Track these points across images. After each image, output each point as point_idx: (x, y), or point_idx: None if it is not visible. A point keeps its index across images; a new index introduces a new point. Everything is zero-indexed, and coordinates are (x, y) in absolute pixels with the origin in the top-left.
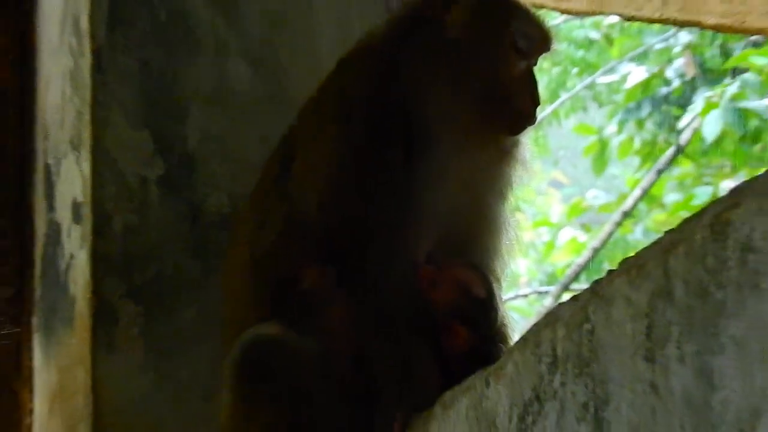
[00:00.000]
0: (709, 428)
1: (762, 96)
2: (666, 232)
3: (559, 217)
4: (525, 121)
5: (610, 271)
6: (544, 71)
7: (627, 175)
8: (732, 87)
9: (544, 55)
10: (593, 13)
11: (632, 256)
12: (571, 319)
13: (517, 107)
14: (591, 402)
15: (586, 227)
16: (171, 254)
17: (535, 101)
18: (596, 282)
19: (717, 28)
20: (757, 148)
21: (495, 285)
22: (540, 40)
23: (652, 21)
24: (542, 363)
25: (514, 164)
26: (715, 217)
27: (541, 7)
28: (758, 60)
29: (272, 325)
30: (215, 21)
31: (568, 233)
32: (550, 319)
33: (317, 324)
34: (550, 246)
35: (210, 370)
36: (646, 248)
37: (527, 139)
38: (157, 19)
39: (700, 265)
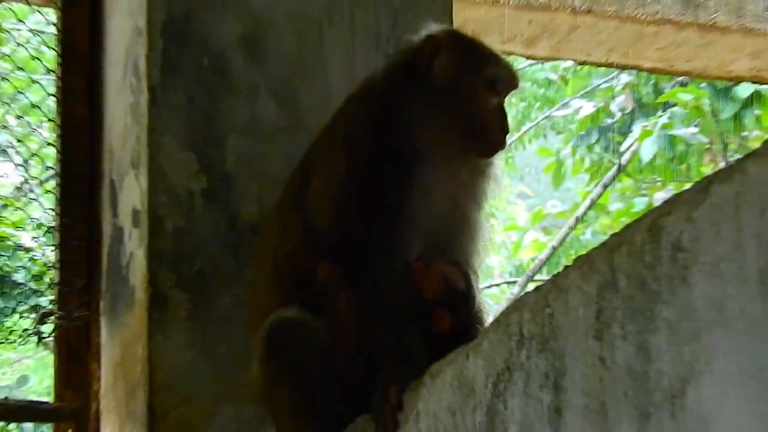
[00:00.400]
0: (647, 394)
1: (687, 125)
2: (611, 235)
3: (524, 222)
4: (497, 147)
5: (566, 267)
6: (512, 105)
7: (579, 188)
8: (663, 118)
9: (512, 92)
10: (552, 59)
11: (584, 255)
12: (535, 305)
13: (490, 136)
14: (551, 372)
15: (546, 230)
16: (212, 252)
17: (505, 130)
18: (555, 275)
19: (651, 71)
20: (683, 167)
21: (473, 278)
22: (509, 80)
23: (599, 65)
24: (512, 341)
25: (488, 180)
26: (652, 223)
27: (510, 53)
28: (684, 96)
29: (292, 310)
30: (247, 66)
31: (531, 235)
32: (517, 305)
33: (328, 309)
34: (518, 245)
35: (242, 345)
36: (595, 248)
37: (499, 161)
38: (201, 64)
39: (639, 261)
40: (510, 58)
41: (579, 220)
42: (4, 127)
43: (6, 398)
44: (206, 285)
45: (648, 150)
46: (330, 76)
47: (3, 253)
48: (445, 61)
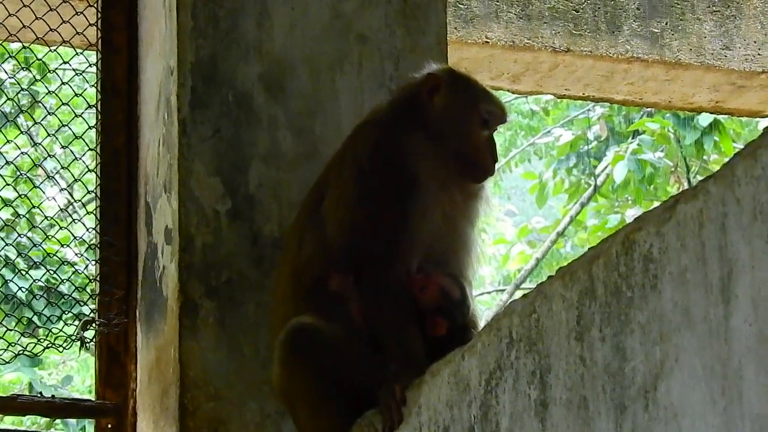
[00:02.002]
0: (623, 389)
1: (654, 151)
2: (590, 248)
3: (511, 236)
4: (487, 173)
5: (550, 276)
6: (500, 134)
7: (560, 206)
8: (633, 144)
9: (501, 125)
10: (535, 93)
11: (566, 266)
12: (523, 310)
13: (482, 163)
14: (538, 370)
15: (531, 243)
16: (237, 265)
17: (494, 159)
18: (540, 284)
19: (623, 103)
20: (651, 188)
21: (467, 287)
22: (499, 116)
23: (576, 98)
24: (502, 342)
25: (480, 201)
26: (625, 237)
27: (498, 88)
28: (651, 125)
29: (308, 317)
30: (268, 102)
31: (518, 248)
32: (507, 310)
33: (340, 316)
34: (506, 257)
35: (265, 347)
36: (575, 260)
37: (489, 184)
38: (226, 99)
39: (614, 271)
40: (498, 93)
41: (560, 234)
42: (51, 155)
43: (53, 396)
44: (232, 294)
45: (620, 173)
46: (341, 110)
47: (50, 268)
48: (443, 96)
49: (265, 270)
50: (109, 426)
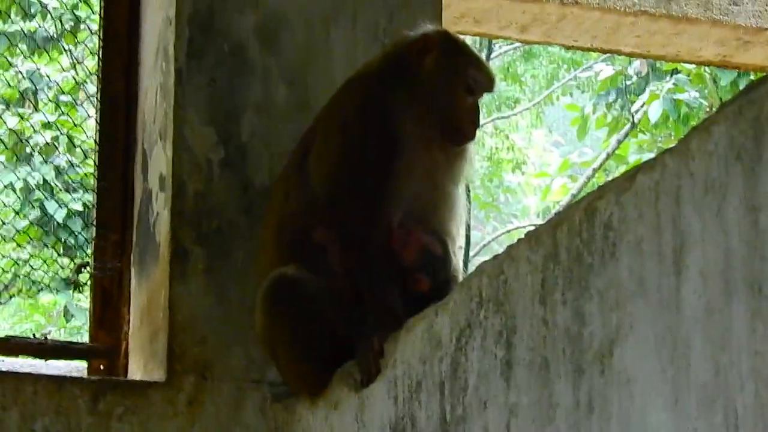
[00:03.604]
0: (581, 353)
1: (691, 89)
2: (555, 213)
3: (556, 168)
4: (466, 138)
5: (519, 239)
6: (543, 66)
7: (603, 139)
8: (669, 83)
9: (487, 93)
10: (543, 44)
11: (533, 230)
12: (492, 271)
13: (462, 128)
14: (504, 330)
15: (573, 177)
16: (227, 213)
17: (475, 125)
18: (509, 246)
19: (630, 55)
20: (687, 128)
21: (450, 243)
22: (486, 84)
23: (584, 49)
24: (473, 302)
25: (464, 161)
26: (588, 204)
27: (507, 38)
28: (688, 65)
29: (291, 267)
30: (262, 53)
31: (559, 181)
32: (478, 271)
33: (322, 268)
34: (547, 190)
35: (252, 295)
36: (541, 224)
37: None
38: (221, 50)
39: (577, 237)
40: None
41: (596, 170)
42: (83, 81)
43: (45, 338)
44: (222, 242)
45: (655, 111)
46: (334, 63)
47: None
48: (434, 58)
49: (255, 219)
50: (102, 367)
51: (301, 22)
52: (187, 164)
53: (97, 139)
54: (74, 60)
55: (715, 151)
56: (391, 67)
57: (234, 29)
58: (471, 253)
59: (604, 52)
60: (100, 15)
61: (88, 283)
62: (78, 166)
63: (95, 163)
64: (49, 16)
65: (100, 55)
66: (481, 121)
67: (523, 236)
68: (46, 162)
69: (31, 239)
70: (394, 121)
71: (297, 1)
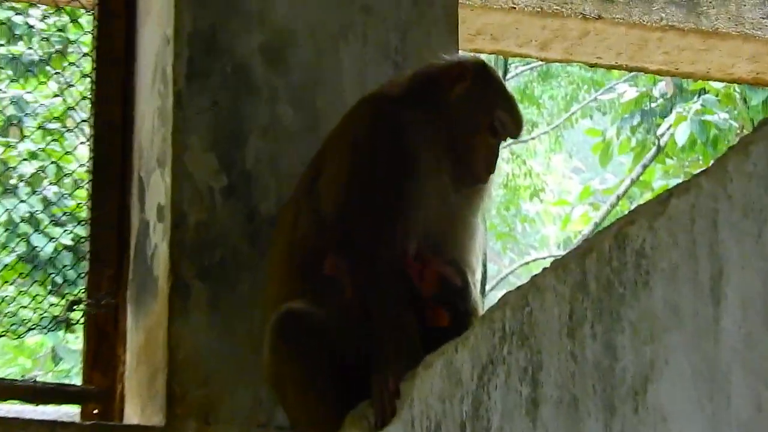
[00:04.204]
0: (613, 389)
1: (719, 111)
2: (583, 240)
3: (576, 195)
4: (477, 181)
5: (544, 269)
6: (562, 87)
7: (628, 165)
8: (696, 104)
9: (511, 138)
10: (565, 61)
11: (559, 258)
12: (516, 303)
13: (476, 170)
14: (529, 366)
15: (595, 205)
16: (231, 244)
17: (490, 170)
18: (534, 276)
19: (657, 73)
20: (716, 151)
21: (469, 274)
22: (512, 129)
23: (608, 67)
24: (495, 336)
25: (482, 190)
26: (618, 231)
27: (526, 56)
28: (716, 84)
29: (300, 301)
30: (268, 73)
31: (580, 209)
32: (501, 303)
33: (333, 301)
34: (567, 219)
35: (258, 331)
36: (569, 252)
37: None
38: (224, 71)
39: (607, 266)
40: (525, 60)
41: (620, 197)
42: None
43: (35, 380)
44: (225, 275)
45: (682, 134)
46: (344, 83)
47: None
48: (465, 87)
49: (261, 249)
50: (96, 412)
51: (308, 40)
52: (187, 193)
53: (91, 167)
54: (65, 84)
55: (754, 171)
56: (417, 88)
57: (238, 48)
58: (487, 287)
59: (630, 70)
60: (93, 34)
61: (81, 320)
62: (66, 196)
63: (88, 193)
64: (36, 38)
65: (94, 77)
66: (501, 154)
67: (549, 265)
68: (34, 192)
69: (21, 274)
70: (408, 142)
71: (304, 18)
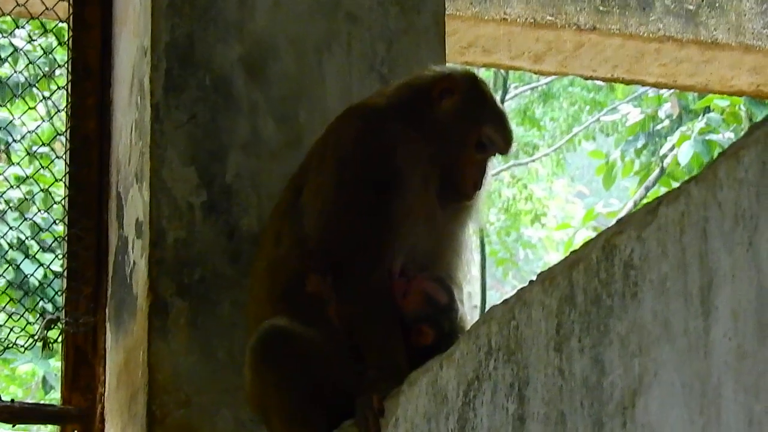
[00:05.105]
0: (601, 404)
1: (724, 131)
2: (570, 252)
3: (580, 220)
4: (463, 198)
5: (531, 281)
6: (563, 109)
7: (633, 188)
8: (700, 123)
9: (500, 155)
10: (559, 74)
11: (546, 270)
12: (502, 318)
13: (462, 186)
14: (516, 382)
15: (597, 230)
16: (211, 262)
17: (476, 187)
18: (520, 289)
19: (655, 85)
20: None
21: (456, 291)
22: (500, 144)
23: (605, 80)
24: (481, 351)
25: (469, 204)
26: (606, 241)
27: (519, 69)
28: (721, 102)
29: (282, 319)
30: (248, 86)
31: (583, 234)
32: (486, 317)
33: (317, 319)
34: (569, 243)
35: (240, 350)
36: (556, 264)
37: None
38: (203, 83)
39: (595, 278)
40: (519, 73)
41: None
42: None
43: (12, 401)
44: (206, 293)
45: (686, 154)
46: (327, 95)
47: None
48: (454, 101)
49: (242, 267)
50: None
51: (290, 51)
52: (166, 208)
53: (67, 182)
54: (53, 107)
55: (745, 178)
56: (405, 100)
57: (217, 59)
58: None
59: (627, 82)
60: (68, 45)
61: (59, 339)
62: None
63: (65, 209)
64: (21, 60)
65: (69, 90)
66: (496, 170)
67: (534, 278)
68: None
69: (11, 299)
70: (394, 157)
71: (286, 28)
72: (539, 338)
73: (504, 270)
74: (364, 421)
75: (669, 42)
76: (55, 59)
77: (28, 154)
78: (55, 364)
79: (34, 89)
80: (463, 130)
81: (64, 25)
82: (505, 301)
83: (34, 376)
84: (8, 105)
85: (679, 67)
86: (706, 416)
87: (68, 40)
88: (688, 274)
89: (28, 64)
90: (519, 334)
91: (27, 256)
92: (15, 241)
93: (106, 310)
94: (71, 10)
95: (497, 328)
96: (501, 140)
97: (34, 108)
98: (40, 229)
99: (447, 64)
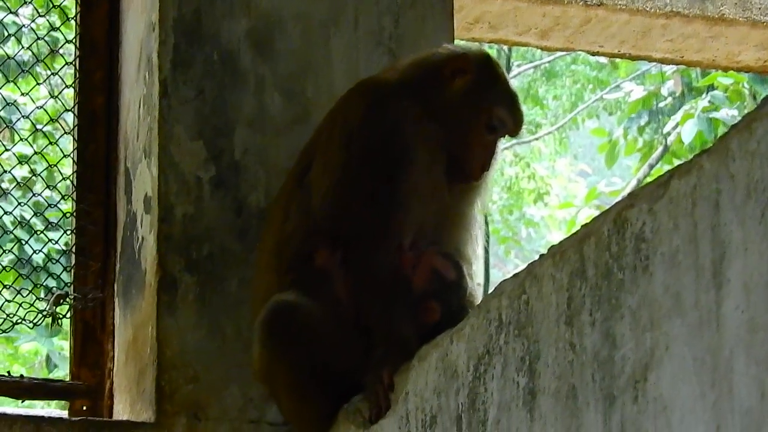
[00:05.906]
0: (612, 378)
1: (728, 108)
2: (582, 226)
3: (582, 199)
4: (470, 179)
5: (541, 255)
6: (566, 87)
7: (636, 166)
8: (704, 101)
9: (510, 136)
10: (566, 50)
11: (557, 244)
12: (512, 292)
13: (470, 167)
14: (527, 357)
15: (600, 208)
16: (220, 237)
17: (484, 168)
18: (531, 263)
19: (662, 61)
20: None
21: (465, 266)
22: (511, 126)
23: (611, 56)
24: (491, 326)
25: (477, 184)
26: (617, 215)
27: (525, 44)
28: (725, 80)
29: (291, 294)
30: (255, 61)
31: (586, 212)
32: (497, 291)
33: (325, 294)
34: (572, 222)
35: (248, 326)
36: (566, 238)
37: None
38: (210, 59)
39: (606, 251)
40: (525, 50)
41: None
42: (69, 109)
43: (21, 376)
44: (214, 269)
45: (689, 132)
46: (334, 71)
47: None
48: (466, 80)
49: (250, 243)
50: (84, 408)
51: (297, 27)
52: (174, 184)
53: (75, 158)
54: (57, 86)
55: (758, 150)
56: (416, 77)
57: (224, 35)
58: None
59: (633, 58)
60: (75, 21)
61: (68, 315)
62: (60, 202)
63: (73, 184)
64: (25, 38)
65: (77, 66)
66: (498, 152)
67: (545, 251)
68: (33, 195)
69: (19, 275)
70: (403, 134)
71: (293, 4)
72: (550, 312)
73: (506, 248)
74: (374, 396)
75: (676, 17)
76: (61, 36)
77: (36, 130)
78: (59, 342)
79: (38, 68)
80: (474, 110)
81: (69, 2)
82: (516, 275)
83: (38, 354)
84: (13, 83)
85: (685, 42)
86: (718, 390)
87: (75, 15)
88: (700, 247)
89: (35, 40)
90: (530, 308)
91: (32, 234)
92: (19, 219)
93: (115, 286)
94: None
95: (507, 302)
96: (512, 122)
97: (41, 84)
98: (48, 206)
99: (459, 42)
